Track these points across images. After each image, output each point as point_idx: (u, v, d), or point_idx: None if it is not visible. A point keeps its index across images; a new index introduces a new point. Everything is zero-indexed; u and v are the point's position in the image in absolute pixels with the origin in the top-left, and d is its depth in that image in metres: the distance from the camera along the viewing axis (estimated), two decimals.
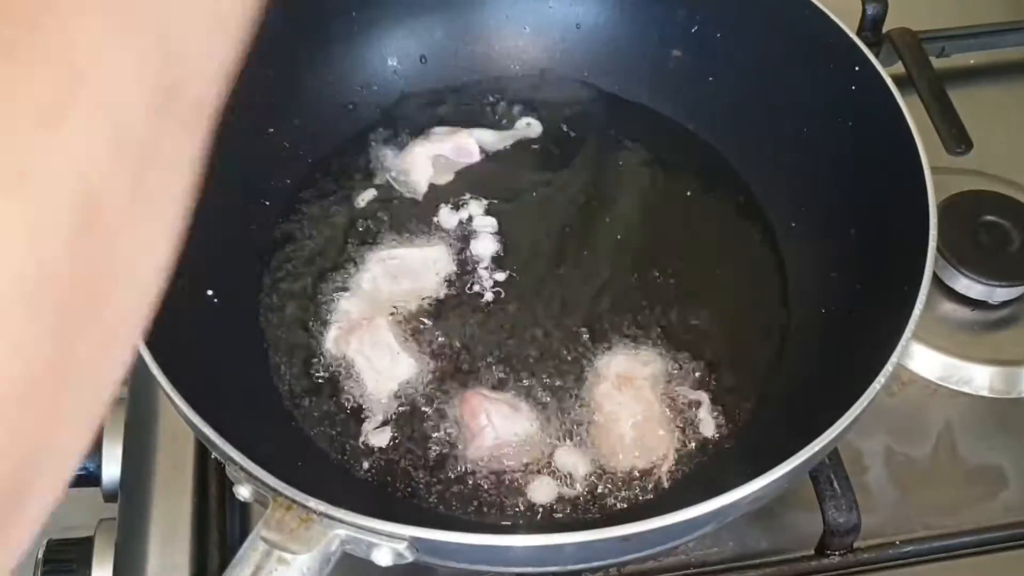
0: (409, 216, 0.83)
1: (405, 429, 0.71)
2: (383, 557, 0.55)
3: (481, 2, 0.91)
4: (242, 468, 0.57)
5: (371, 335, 0.74)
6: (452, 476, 0.69)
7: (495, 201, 0.84)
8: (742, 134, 0.85)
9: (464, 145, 0.86)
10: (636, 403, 0.71)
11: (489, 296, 0.78)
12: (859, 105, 0.76)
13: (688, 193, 0.85)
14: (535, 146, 0.88)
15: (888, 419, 0.77)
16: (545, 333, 0.76)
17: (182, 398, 0.59)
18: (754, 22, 0.84)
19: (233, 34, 0.33)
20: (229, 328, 0.74)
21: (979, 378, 0.79)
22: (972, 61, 0.99)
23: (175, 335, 0.65)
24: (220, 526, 0.71)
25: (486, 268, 0.80)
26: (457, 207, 0.83)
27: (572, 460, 0.69)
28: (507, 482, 0.69)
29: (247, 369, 0.73)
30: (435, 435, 0.71)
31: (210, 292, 0.74)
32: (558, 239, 0.82)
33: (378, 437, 0.71)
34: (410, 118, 0.89)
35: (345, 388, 0.73)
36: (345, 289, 0.78)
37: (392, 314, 0.77)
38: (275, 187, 0.83)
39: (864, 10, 0.95)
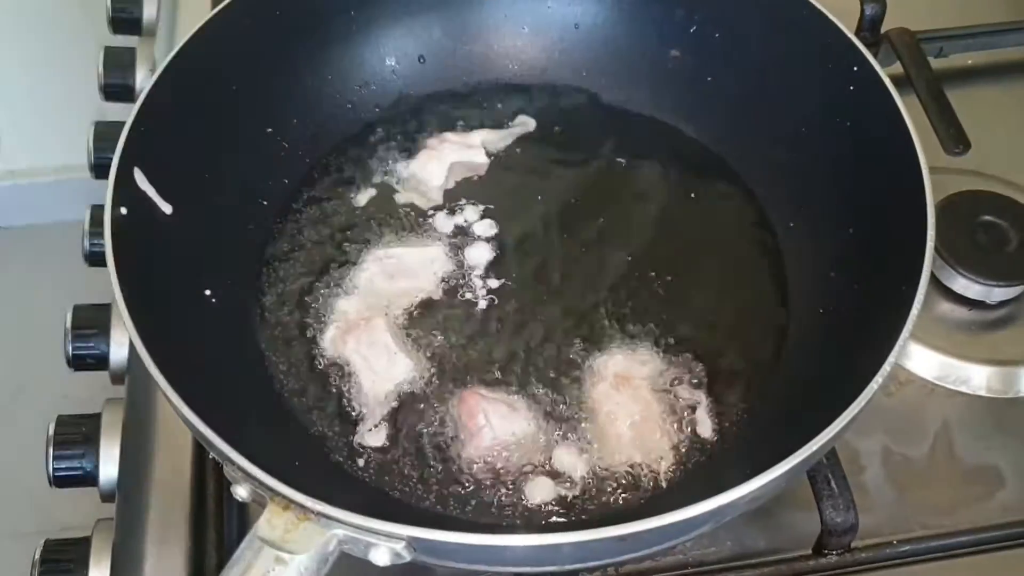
0: (408, 216, 0.83)
1: (403, 429, 0.71)
2: (381, 557, 0.55)
3: (479, 2, 0.91)
4: (240, 468, 0.57)
5: (368, 335, 0.74)
6: (450, 476, 0.69)
7: (495, 200, 0.84)
8: (740, 134, 0.85)
9: (477, 156, 0.86)
10: (634, 403, 0.71)
11: (487, 295, 0.78)
12: (857, 105, 0.76)
13: (686, 193, 0.85)
14: (534, 146, 0.88)
15: (886, 419, 0.77)
16: (543, 332, 0.76)
17: (180, 398, 0.59)
18: (753, 22, 0.84)
19: None
20: (227, 328, 0.74)
21: (977, 378, 0.79)
22: (970, 61, 0.99)
23: (173, 335, 0.65)
24: (218, 526, 0.71)
25: (484, 267, 0.80)
26: (457, 209, 0.83)
27: (570, 460, 0.70)
28: (505, 482, 0.69)
29: (245, 369, 0.73)
30: (433, 435, 0.71)
31: (208, 292, 0.74)
32: (557, 238, 0.82)
33: (375, 437, 0.71)
34: (409, 118, 0.89)
35: (343, 388, 0.73)
36: (343, 289, 0.78)
37: (392, 311, 0.77)
38: (273, 187, 0.83)
39: (862, 10, 0.95)
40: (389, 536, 0.55)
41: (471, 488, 0.69)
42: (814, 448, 0.58)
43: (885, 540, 0.71)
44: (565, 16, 0.91)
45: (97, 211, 0.85)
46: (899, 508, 0.73)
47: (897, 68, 0.91)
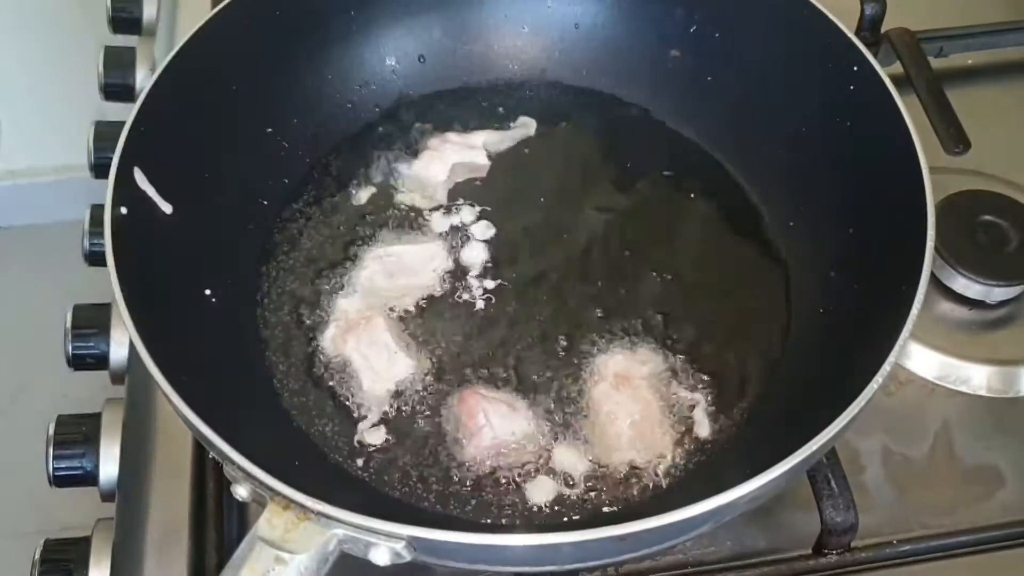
0: (409, 216, 0.83)
1: (403, 428, 0.71)
2: (381, 556, 0.55)
3: (480, 2, 0.91)
4: (240, 467, 0.57)
5: (369, 334, 0.74)
6: (450, 475, 0.69)
7: (494, 200, 0.84)
8: (740, 134, 0.85)
9: (478, 157, 0.86)
10: (634, 402, 0.71)
11: (488, 295, 0.78)
12: (857, 105, 0.76)
13: (686, 193, 0.85)
14: (534, 146, 0.88)
15: (886, 418, 0.77)
16: (543, 332, 0.76)
17: (180, 397, 0.59)
18: (752, 22, 0.84)
19: None
20: (227, 328, 0.74)
21: (977, 377, 0.79)
22: (970, 61, 0.99)
23: (173, 335, 0.65)
24: (218, 526, 0.71)
25: (485, 267, 0.80)
26: (458, 210, 0.83)
27: (570, 459, 0.70)
28: (505, 481, 0.69)
29: (245, 368, 0.73)
30: (433, 434, 0.71)
31: (208, 292, 0.74)
32: (557, 238, 0.82)
33: (375, 436, 0.71)
34: (409, 118, 0.89)
35: (343, 387, 0.73)
36: (343, 288, 0.78)
37: (392, 310, 0.77)
38: (273, 187, 0.83)
39: (862, 10, 0.96)
40: (389, 536, 0.55)
41: (471, 487, 0.69)
42: (814, 448, 0.58)
43: (885, 540, 0.71)
44: (565, 16, 0.91)
45: (97, 211, 0.85)
46: (899, 508, 0.73)
47: (897, 68, 0.91)
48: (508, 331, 0.76)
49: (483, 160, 0.86)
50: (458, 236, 0.82)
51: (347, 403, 0.73)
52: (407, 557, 0.55)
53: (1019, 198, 0.85)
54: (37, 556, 0.71)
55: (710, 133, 0.87)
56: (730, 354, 0.75)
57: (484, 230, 0.82)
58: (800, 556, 0.70)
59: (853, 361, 0.64)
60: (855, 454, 0.75)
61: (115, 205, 0.68)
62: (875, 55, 0.77)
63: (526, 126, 0.89)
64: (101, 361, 0.82)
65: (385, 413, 0.72)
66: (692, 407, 0.72)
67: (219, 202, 0.77)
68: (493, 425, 0.70)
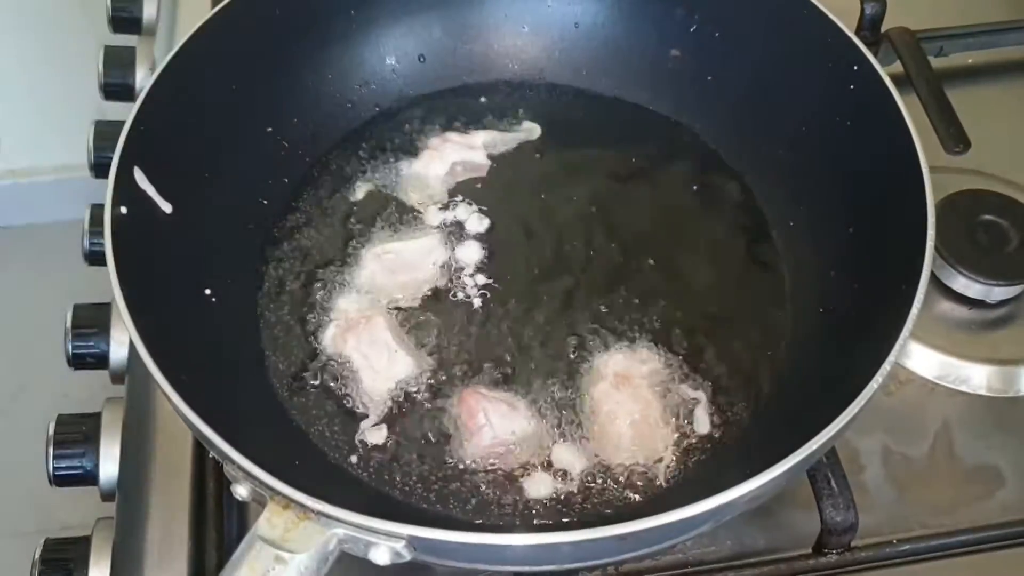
0: (409, 215, 0.83)
1: (403, 428, 0.71)
2: (381, 556, 0.55)
3: (480, 1, 0.91)
4: (240, 467, 0.57)
5: (369, 333, 0.74)
6: (450, 475, 0.69)
7: (493, 199, 0.84)
8: (741, 133, 0.86)
9: (478, 157, 0.86)
10: (634, 402, 0.71)
11: (488, 295, 0.78)
12: (857, 104, 0.76)
13: (686, 192, 0.85)
14: (534, 146, 0.88)
15: (886, 418, 0.77)
16: (543, 331, 0.76)
17: (180, 397, 0.59)
18: (753, 21, 0.84)
19: None
20: (227, 327, 0.74)
21: (976, 377, 0.79)
22: (970, 60, 0.99)
23: (173, 334, 0.65)
24: (218, 525, 0.71)
25: (485, 267, 0.80)
26: (458, 209, 0.83)
27: (570, 459, 0.70)
28: (505, 481, 0.69)
29: (245, 368, 0.73)
30: (433, 434, 0.71)
31: (208, 291, 0.74)
32: (557, 240, 0.82)
33: (375, 435, 0.71)
34: (409, 117, 0.89)
35: (343, 387, 0.73)
36: (343, 287, 0.78)
37: (396, 308, 0.77)
38: (273, 186, 0.83)
39: (863, 9, 0.96)
40: (389, 535, 0.55)
41: (471, 487, 0.69)
42: (814, 447, 0.58)
43: (885, 539, 0.71)
44: (565, 15, 0.91)
45: (97, 210, 0.85)
46: (899, 507, 0.73)
47: (897, 67, 0.91)
48: (508, 330, 0.76)
49: (483, 160, 0.86)
50: (456, 231, 0.82)
51: (347, 402, 0.73)
52: (407, 556, 0.55)
53: (1019, 198, 0.84)
54: (37, 555, 0.71)
55: (710, 133, 0.87)
56: (730, 353, 0.75)
57: (483, 228, 0.82)
58: (800, 556, 0.70)
59: (853, 361, 0.64)
60: (855, 453, 0.75)
61: (115, 205, 0.68)
62: (875, 55, 0.77)
63: (530, 132, 0.88)
64: (101, 361, 0.82)
65: (385, 412, 0.72)
66: (692, 406, 0.72)
67: (219, 202, 0.77)
68: (493, 424, 0.70)
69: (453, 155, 0.85)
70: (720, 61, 0.86)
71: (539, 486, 0.69)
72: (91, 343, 0.82)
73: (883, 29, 0.96)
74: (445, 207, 0.84)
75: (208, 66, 0.78)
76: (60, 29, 1.89)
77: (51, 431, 0.76)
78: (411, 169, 0.86)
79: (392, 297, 0.78)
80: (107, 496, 0.75)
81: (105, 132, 0.93)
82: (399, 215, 0.83)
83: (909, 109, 0.72)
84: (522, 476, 0.69)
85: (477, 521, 0.67)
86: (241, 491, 0.58)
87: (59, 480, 0.76)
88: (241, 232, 0.79)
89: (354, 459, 0.70)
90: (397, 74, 0.90)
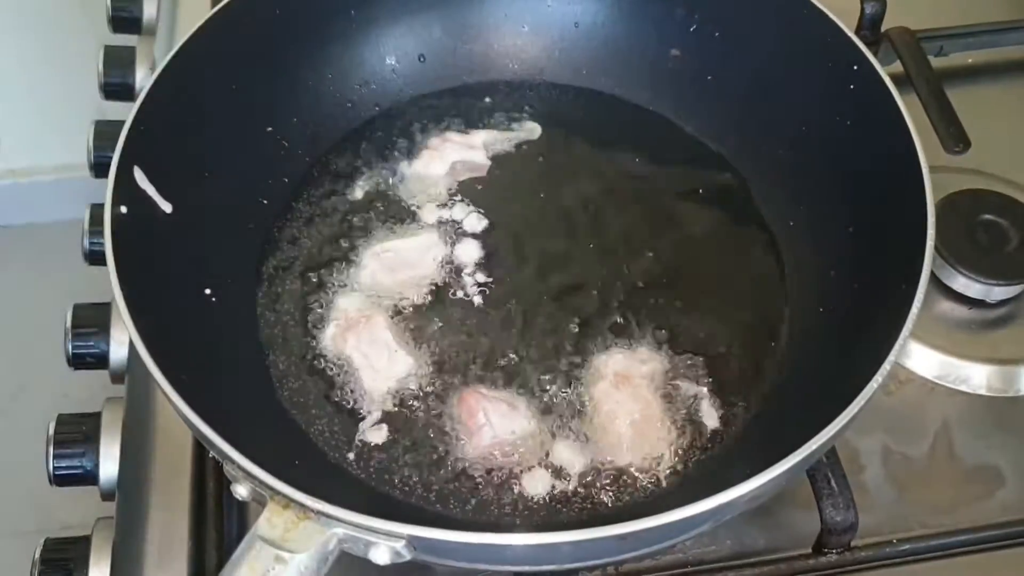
0: (409, 215, 0.83)
1: (403, 427, 0.71)
2: (381, 556, 0.55)
3: (480, 1, 0.91)
4: (239, 466, 0.57)
5: (369, 333, 0.74)
6: (450, 474, 0.69)
7: (494, 199, 0.84)
8: (740, 133, 0.86)
9: (478, 156, 0.86)
10: (634, 401, 0.71)
11: (487, 294, 0.78)
12: (857, 104, 0.76)
13: (686, 192, 0.85)
14: (534, 145, 0.88)
15: (885, 418, 0.77)
16: (543, 331, 0.76)
17: (180, 397, 0.59)
18: (753, 21, 0.84)
19: None
20: (227, 327, 0.74)
21: (976, 377, 0.79)
22: (970, 60, 0.99)
23: (173, 334, 0.65)
24: (218, 525, 0.71)
25: (485, 266, 0.80)
26: (458, 209, 0.83)
27: (570, 458, 0.70)
28: (505, 480, 0.69)
29: (245, 368, 0.74)
30: (433, 433, 0.71)
31: (208, 291, 0.74)
32: (557, 239, 0.82)
33: (375, 435, 0.71)
34: (409, 117, 0.89)
35: (343, 386, 0.73)
36: (343, 287, 0.78)
37: (396, 306, 0.77)
38: (273, 186, 0.83)
39: (863, 9, 0.95)
40: (389, 535, 0.55)
41: (471, 486, 0.69)
42: (814, 447, 0.58)
43: (885, 539, 0.71)
44: (565, 15, 0.91)
45: (97, 210, 0.85)
46: (899, 507, 0.73)
47: (897, 67, 0.91)
48: (508, 329, 0.76)
49: (483, 159, 0.86)
50: (455, 230, 0.82)
51: (347, 402, 0.73)
52: (407, 556, 0.55)
53: (1019, 197, 0.84)
54: (37, 555, 0.71)
55: (710, 132, 0.87)
56: (730, 353, 0.75)
57: (483, 227, 0.82)
58: (800, 555, 0.70)
59: (853, 360, 0.64)
60: (855, 453, 0.75)
61: (115, 204, 0.68)
62: (875, 54, 0.77)
63: (531, 132, 0.88)
64: (101, 360, 0.82)
65: (385, 412, 0.72)
66: (692, 406, 0.72)
67: (219, 201, 0.77)
68: (493, 424, 0.70)
69: (453, 155, 0.85)
70: (720, 61, 0.86)
71: (539, 485, 0.69)
72: (91, 343, 0.82)
73: (883, 29, 0.96)
74: (444, 206, 0.84)
75: (208, 66, 0.78)
76: (60, 29, 1.89)
77: (51, 431, 0.76)
78: (411, 169, 0.86)
79: (393, 295, 0.78)
80: (107, 496, 0.75)
81: (105, 132, 0.93)
82: (399, 215, 0.83)
83: (909, 109, 0.72)
84: (522, 475, 0.69)
85: (477, 520, 0.67)
86: (241, 491, 0.58)
87: (59, 480, 0.76)
88: (241, 232, 0.79)
89: (354, 459, 0.70)
90: (397, 74, 0.90)
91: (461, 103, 0.90)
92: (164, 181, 0.72)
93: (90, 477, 0.75)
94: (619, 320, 0.76)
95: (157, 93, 0.73)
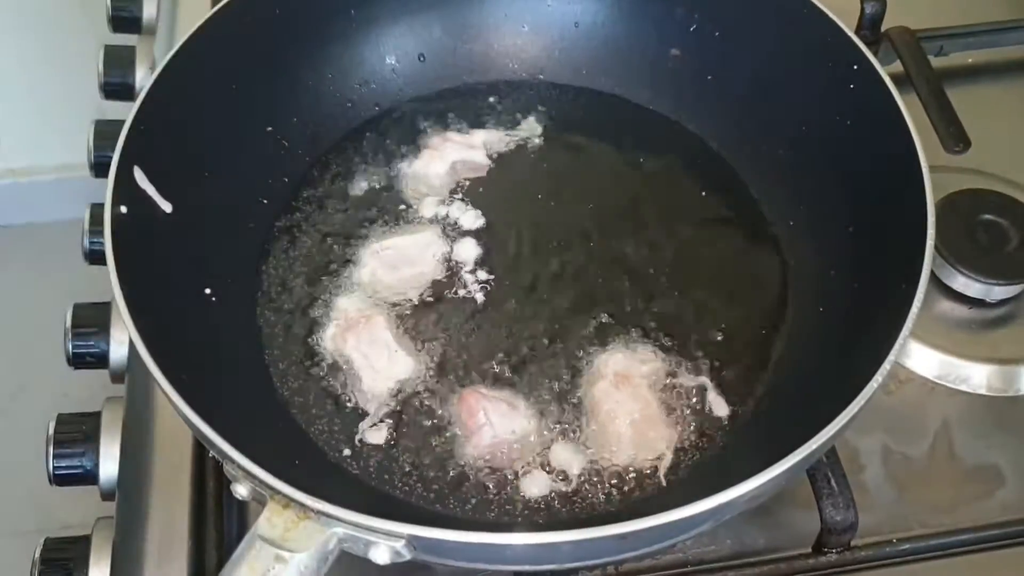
0: (409, 215, 0.83)
1: (403, 427, 0.71)
2: (381, 555, 0.55)
3: (479, 0, 0.91)
4: (240, 466, 0.57)
5: (369, 333, 0.74)
6: (450, 474, 0.69)
7: (494, 198, 0.84)
8: (740, 132, 0.86)
9: (478, 156, 0.86)
10: (634, 401, 0.71)
11: (487, 293, 0.78)
12: (857, 104, 0.76)
13: (685, 191, 0.85)
14: (534, 145, 0.88)
15: (885, 417, 0.77)
16: (543, 331, 0.76)
17: (180, 396, 0.59)
18: (753, 21, 0.84)
19: None
20: (227, 326, 0.74)
21: (976, 376, 0.79)
22: (970, 60, 0.99)
23: (173, 334, 0.65)
24: (218, 525, 0.71)
25: (484, 266, 0.80)
26: (458, 208, 0.83)
27: (570, 458, 0.70)
28: (505, 480, 0.69)
29: (245, 367, 0.74)
30: (433, 433, 0.71)
31: (208, 291, 0.74)
32: (557, 239, 0.82)
33: (376, 435, 0.71)
34: (409, 116, 0.89)
35: (343, 386, 0.73)
36: (343, 286, 0.78)
37: (397, 305, 0.77)
38: (273, 186, 0.83)
39: (863, 9, 0.96)
40: (389, 534, 0.55)
41: (471, 486, 0.69)
42: (814, 447, 0.58)
43: (885, 539, 0.71)
44: (565, 15, 0.91)
45: (97, 210, 0.85)
46: (899, 507, 0.73)
47: (897, 67, 0.91)
48: (508, 329, 0.76)
49: (483, 159, 0.86)
50: (455, 229, 0.82)
51: (347, 402, 0.73)
52: (407, 556, 0.55)
53: (1019, 197, 0.84)
54: (37, 555, 0.71)
55: (710, 132, 0.87)
56: (730, 352, 0.75)
57: (483, 227, 0.82)
58: (800, 555, 0.70)
59: (853, 360, 0.64)
60: (855, 453, 0.75)
61: (115, 204, 0.68)
62: (875, 54, 0.77)
63: (531, 132, 0.88)
64: (101, 360, 0.82)
65: (385, 412, 0.72)
66: (691, 406, 0.72)
67: (219, 201, 0.77)
68: (493, 424, 0.70)
69: (453, 154, 0.85)
70: (720, 60, 0.86)
71: (539, 485, 0.69)
72: (91, 342, 0.82)
73: (883, 28, 0.96)
74: (444, 205, 0.84)
75: (208, 66, 0.78)
76: (60, 29, 1.89)
77: (51, 430, 0.76)
78: (411, 168, 0.86)
79: (393, 294, 0.78)
80: (107, 495, 0.75)
81: (105, 131, 0.93)
82: (399, 214, 0.83)
83: (909, 108, 0.72)
84: (522, 475, 0.69)
85: (477, 520, 0.67)
86: (241, 490, 0.58)
87: (59, 479, 0.76)
88: (241, 232, 0.80)
89: (354, 458, 0.70)
90: (397, 73, 0.90)
91: (461, 103, 0.90)
92: (164, 181, 0.72)
93: (90, 477, 0.75)
94: (618, 320, 0.76)
95: (157, 93, 0.73)
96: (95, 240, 0.87)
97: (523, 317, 0.77)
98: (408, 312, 0.77)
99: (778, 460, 0.57)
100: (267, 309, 0.77)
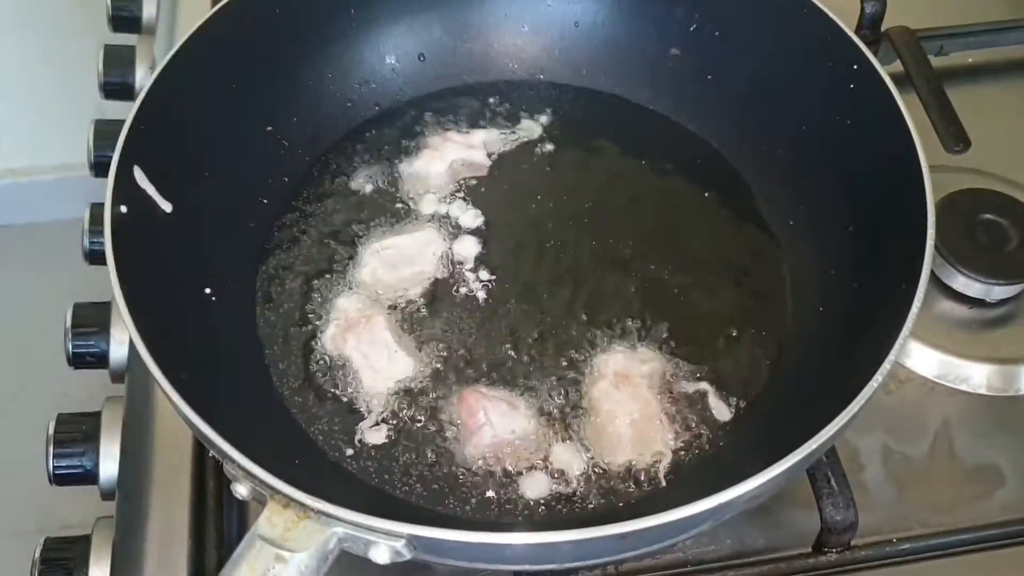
0: (409, 214, 0.83)
1: (403, 427, 0.71)
2: (381, 555, 0.55)
3: (480, 0, 0.91)
4: (240, 466, 0.57)
5: (369, 333, 0.74)
6: (450, 473, 0.69)
7: (494, 198, 0.84)
8: (740, 132, 0.86)
9: (478, 156, 0.86)
10: (634, 401, 0.71)
11: (486, 293, 0.78)
12: (857, 103, 0.76)
13: (686, 191, 0.85)
14: (534, 145, 0.88)
15: (885, 417, 0.77)
16: (544, 331, 0.76)
17: (180, 396, 0.59)
18: (753, 20, 0.84)
19: None
20: (227, 326, 0.74)
21: (976, 376, 0.79)
22: (970, 59, 0.99)
23: (173, 333, 0.65)
24: (218, 524, 0.71)
25: (483, 265, 0.80)
26: (458, 208, 0.83)
27: (570, 458, 0.70)
28: (505, 479, 0.69)
29: (245, 367, 0.74)
30: (433, 433, 0.71)
31: (208, 290, 0.74)
32: (557, 238, 0.82)
33: (376, 435, 0.71)
34: (409, 116, 0.89)
35: (343, 386, 0.73)
36: (343, 286, 0.78)
37: (396, 306, 0.77)
38: (273, 185, 0.83)
39: (863, 8, 0.95)
40: (389, 534, 0.55)
41: (471, 486, 0.69)
42: (814, 446, 0.58)
43: (885, 538, 0.71)
44: (565, 14, 0.91)
45: (97, 209, 0.85)
46: (899, 506, 0.73)
47: (897, 66, 0.91)
48: (508, 329, 0.76)
49: (483, 159, 0.86)
50: (454, 229, 0.82)
51: (347, 401, 0.73)
52: (407, 555, 0.55)
53: (1019, 196, 0.84)
54: (37, 555, 0.71)
55: (710, 131, 0.87)
56: (730, 352, 0.75)
57: (483, 227, 0.82)
58: (800, 554, 0.70)
59: (853, 359, 0.64)
60: (855, 452, 0.75)
61: (115, 204, 0.68)
62: (875, 53, 0.77)
63: (530, 132, 0.88)
64: (101, 360, 0.82)
65: (385, 412, 0.72)
66: (692, 405, 0.72)
67: (219, 201, 0.77)
68: (493, 423, 0.70)
69: (453, 154, 0.86)
70: (720, 60, 0.86)
71: (539, 485, 0.69)
72: (91, 342, 0.82)
73: (883, 28, 0.96)
74: (444, 204, 0.84)
75: (208, 65, 0.78)
76: (60, 28, 1.89)
77: (51, 430, 0.76)
78: (411, 168, 0.86)
79: (394, 293, 0.78)
80: (107, 495, 0.75)
81: (105, 131, 0.93)
82: (399, 214, 0.83)
83: (909, 108, 0.72)
84: (522, 475, 0.69)
85: (477, 520, 0.67)
86: (241, 490, 0.58)
87: (59, 479, 0.76)
88: (241, 231, 0.80)
89: (354, 458, 0.70)
90: (397, 73, 0.90)
91: (461, 102, 0.90)
92: (164, 181, 0.72)
93: (90, 476, 0.75)
94: (618, 319, 0.76)
95: (157, 92, 0.73)
96: (95, 240, 0.87)
97: (523, 317, 0.77)
98: (408, 312, 0.77)
99: (778, 460, 0.57)
100: (267, 309, 0.77)
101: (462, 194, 0.84)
